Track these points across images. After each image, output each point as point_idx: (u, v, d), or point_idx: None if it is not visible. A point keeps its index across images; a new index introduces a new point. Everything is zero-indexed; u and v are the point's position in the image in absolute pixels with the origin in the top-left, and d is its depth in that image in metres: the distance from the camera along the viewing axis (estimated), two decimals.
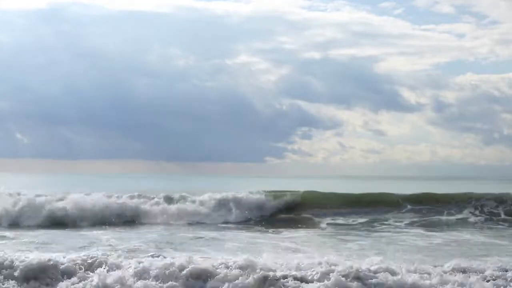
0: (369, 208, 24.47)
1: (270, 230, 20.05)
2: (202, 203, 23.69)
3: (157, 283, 9.96)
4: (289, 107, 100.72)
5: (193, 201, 23.80)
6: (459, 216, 23.79)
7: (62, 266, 10.46)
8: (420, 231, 20.44)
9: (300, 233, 19.48)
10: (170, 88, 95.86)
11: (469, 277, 10.14)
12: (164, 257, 11.06)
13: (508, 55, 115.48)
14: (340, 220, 22.96)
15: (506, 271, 10.57)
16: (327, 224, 22.17)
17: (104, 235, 17.51)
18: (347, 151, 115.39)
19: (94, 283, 10.00)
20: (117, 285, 9.91)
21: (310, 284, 9.96)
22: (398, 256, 12.38)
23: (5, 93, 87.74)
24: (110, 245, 15.00)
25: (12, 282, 10.20)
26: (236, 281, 9.93)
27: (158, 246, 15.09)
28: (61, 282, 10.18)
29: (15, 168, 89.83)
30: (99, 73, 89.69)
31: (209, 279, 10.07)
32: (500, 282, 10.19)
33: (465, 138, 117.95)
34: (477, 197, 25.34)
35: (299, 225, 21.45)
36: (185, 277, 10.07)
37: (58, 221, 21.24)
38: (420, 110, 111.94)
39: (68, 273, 10.36)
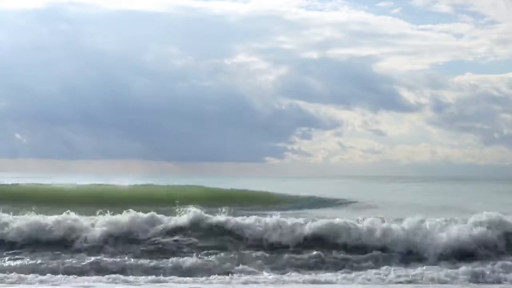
0: None
1: None
2: None
3: None
4: (288, 107, 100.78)
5: None
6: None
7: None
8: None
9: None
10: (169, 88, 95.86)
11: None
12: None
13: (507, 54, 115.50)
14: None
15: None
16: None
17: None
18: (347, 151, 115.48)
19: None
20: None
21: None
22: None
23: (3, 93, 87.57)
24: None
25: None
26: None
27: None
28: None
29: (15, 168, 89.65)
30: (97, 73, 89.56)
31: None
32: None
33: (464, 138, 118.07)
34: None
35: None
36: None
37: None
38: (419, 110, 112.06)
39: None
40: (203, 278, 11.81)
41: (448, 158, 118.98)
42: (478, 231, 14.67)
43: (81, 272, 12.30)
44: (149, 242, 14.51)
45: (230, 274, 12.12)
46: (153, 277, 11.77)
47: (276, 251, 14.09)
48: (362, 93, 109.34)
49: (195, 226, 15.36)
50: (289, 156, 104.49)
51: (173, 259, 13.04)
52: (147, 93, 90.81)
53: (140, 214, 15.28)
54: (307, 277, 12.02)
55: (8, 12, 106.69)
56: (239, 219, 15.34)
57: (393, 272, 12.28)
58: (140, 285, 11.20)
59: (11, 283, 11.07)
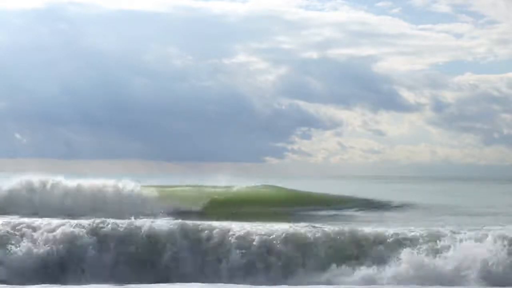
0: None
1: None
2: None
3: None
4: (288, 107, 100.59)
5: None
6: None
7: None
8: None
9: None
10: (168, 88, 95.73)
11: None
12: None
13: (507, 54, 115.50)
14: None
15: None
16: None
17: None
18: (347, 151, 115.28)
19: None
20: None
21: None
22: None
23: (3, 93, 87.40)
24: None
25: None
26: None
27: None
28: None
29: (15, 168, 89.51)
30: (97, 73, 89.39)
31: None
32: None
33: (464, 138, 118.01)
34: None
35: None
36: None
37: None
38: (419, 110, 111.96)
39: None
40: None
41: (448, 158, 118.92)
42: None
43: None
44: None
45: None
46: None
47: None
48: (362, 93, 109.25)
49: None
50: (289, 156, 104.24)
51: None
52: (147, 93, 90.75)
53: None
54: None
55: (7, 12, 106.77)
56: None
57: None
58: None
59: None
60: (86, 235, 12.94)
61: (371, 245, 12.82)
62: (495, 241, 12.52)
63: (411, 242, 12.76)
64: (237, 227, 13.30)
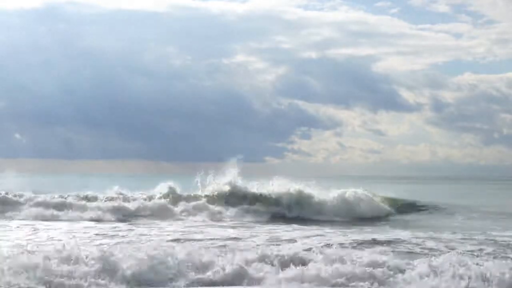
0: None
1: None
2: None
3: None
4: (288, 107, 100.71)
5: None
6: None
7: None
8: None
9: None
10: (167, 88, 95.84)
11: None
12: None
13: (506, 54, 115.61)
14: None
15: None
16: None
17: None
18: (347, 151, 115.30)
19: None
20: None
21: None
22: None
23: (3, 93, 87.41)
24: None
25: None
26: None
27: None
28: None
29: (14, 168, 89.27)
30: (96, 73, 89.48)
31: None
32: None
33: (464, 138, 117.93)
34: None
35: None
36: None
37: None
38: (419, 110, 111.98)
39: None
40: None
41: (448, 158, 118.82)
42: None
43: None
44: None
45: None
46: None
47: None
48: (361, 93, 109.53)
49: None
50: (289, 156, 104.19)
51: None
52: (146, 93, 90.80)
53: None
54: None
55: (5, 12, 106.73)
56: None
57: None
58: None
59: None
60: None
61: None
62: None
63: None
64: None
